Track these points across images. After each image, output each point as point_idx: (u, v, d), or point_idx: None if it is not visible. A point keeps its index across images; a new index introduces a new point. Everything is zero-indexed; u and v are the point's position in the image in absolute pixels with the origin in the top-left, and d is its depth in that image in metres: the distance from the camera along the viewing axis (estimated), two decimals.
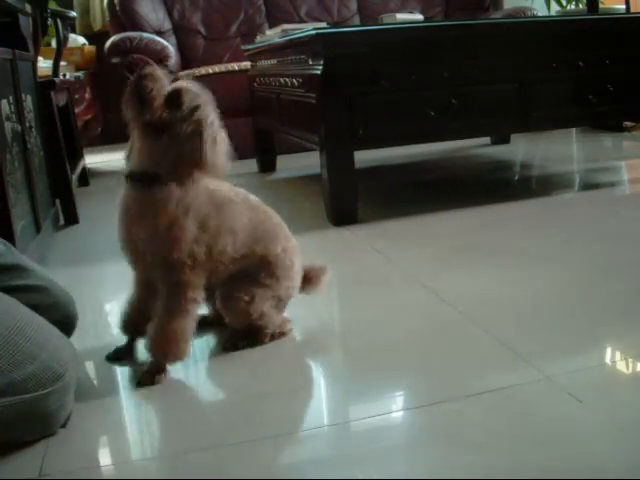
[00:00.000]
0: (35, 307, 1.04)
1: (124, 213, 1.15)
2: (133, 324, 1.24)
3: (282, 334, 1.27)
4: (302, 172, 3.08)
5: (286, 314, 1.31)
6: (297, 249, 1.29)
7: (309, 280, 1.33)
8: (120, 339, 1.29)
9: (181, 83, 1.12)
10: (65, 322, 1.18)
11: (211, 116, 1.12)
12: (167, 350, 1.14)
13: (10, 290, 1.06)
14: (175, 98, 1.09)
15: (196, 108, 1.10)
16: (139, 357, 1.24)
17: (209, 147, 1.10)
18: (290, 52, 2.33)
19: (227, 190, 1.22)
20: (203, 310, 1.33)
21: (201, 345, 1.29)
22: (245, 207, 1.23)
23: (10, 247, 1.22)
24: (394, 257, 1.71)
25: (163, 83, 1.10)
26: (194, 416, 1.03)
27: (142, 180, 1.13)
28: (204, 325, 1.32)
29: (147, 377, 1.14)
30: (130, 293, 1.25)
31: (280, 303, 1.27)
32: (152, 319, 1.16)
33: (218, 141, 1.13)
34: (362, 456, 0.89)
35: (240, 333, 1.25)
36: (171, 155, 1.10)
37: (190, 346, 1.17)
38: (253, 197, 1.27)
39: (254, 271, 1.23)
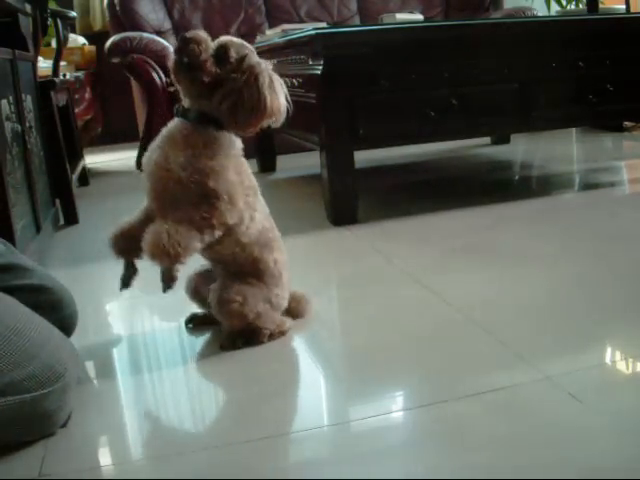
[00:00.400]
0: (35, 307, 1.04)
1: (166, 140, 1.15)
2: (129, 245, 1.20)
3: (281, 333, 1.27)
4: (302, 172, 3.08)
5: (291, 323, 1.31)
6: (287, 264, 1.30)
7: (292, 310, 1.33)
8: (119, 334, 1.29)
9: (224, 38, 1.15)
10: (65, 321, 1.18)
11: (262, 62, 1.15)
12: (163, 247, 1.10)
13: (10, 290, 1.06)
14: (223, 53, 1.12)
15: (244, 57, 1.13)
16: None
17: (267, 90, 1.13)
18: (290, 52, 2.33)
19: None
20: (199, 309, 1.34)
21: (200, 345, 1.29)
22: (263, 209, 1.27)
23: (10, 247, 1.22)
24: (394, 257, 1.71)
25: (208, 43, 1.12)
26: (194, 416, 1.03)
27: (199, 119, 1.15)
28: (202, 324, 1.32)
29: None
30: (132, 216, 1.22)
31: (273, 306, 1.26)
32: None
33: (275, 83, 1.15)
34: (362, 456, 0.89)
35: (238, 332, 1.24)
36: (232, 105, 1.12)
37: (187, 253, 1.13)
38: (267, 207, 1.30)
39: (244, 275, 1.23)
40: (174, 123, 1.17)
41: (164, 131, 1.18)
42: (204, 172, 1.12)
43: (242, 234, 1.20)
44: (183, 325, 1.35)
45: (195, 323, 1.34)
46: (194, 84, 1.13)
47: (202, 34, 1.12)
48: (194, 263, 1.26)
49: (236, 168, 1.18)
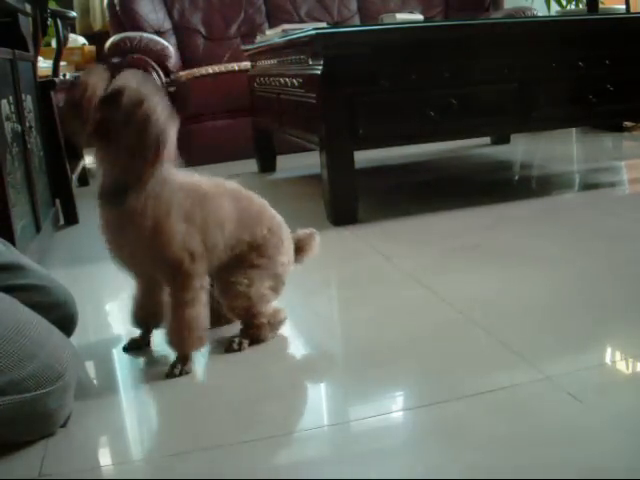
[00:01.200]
0: (35, 306, 1.04)
1: (106, 229, 1.16)
2: (142, 317, 1.27)
3: (280, 322, 1.28)
4: (302, 172, 3.08)
5: (286, 313, 1.31)
6: (283, 224, 1.30)
7: (301, 249, 1.35)
8: (119, 334, 1.29)
9: (120, 81, 1.08)
10: (66, 321, 1.18)
11: (157, 110, 1.08)
12: (186, 341, 1.17)
13: (10, 289, 1.06)
14: (111, 100, 1.06)
15: (139, 104, 1.06)
16: (156, 347, 1.27)
17: (157, 139, 1.07)
18: (290, 52, 2.33)
19: (206, 184, 1.21)
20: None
21: None
22: (227, 197, 1.22)
23: (10, 247, 1.22)
24: (394, 257, 1.71)
25: (96, 89, 1.06)
26: (194, 416, 1.03)
27: (111, 195, 1.12)
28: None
29: (175, 368, 1.16)
30: (133, 288, 1.26)
31: (278, 282, 1.27)
32: (165, 313, 1.19)
33: (165, 135, 1.09)
34: (362, 456, 0.89)
35: (243, 333, 1.25)
36: (124, 158, 1.08)
37: (206, 333, 1.19)
38: (231, 184, 1.26)
39: (245, 255, 1.24)
40: (101, 208, 1.15)
41: (99, 218, 1.16)
42: (157, 248, 1.12)
43: (225, 241, 1.20)
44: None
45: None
46: (84, 134, 1.08)
47: (93, 79, 1.07)
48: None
49: (179, 210, 1.13)
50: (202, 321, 1.17)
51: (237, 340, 1.24)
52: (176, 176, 1.16)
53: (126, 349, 1.28)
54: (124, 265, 1.20)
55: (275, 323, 1.27)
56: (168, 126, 1.10)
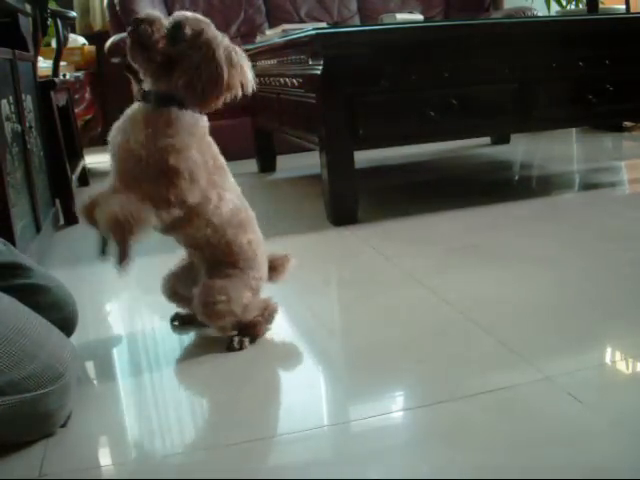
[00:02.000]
0: (36, 306, 1.04)
1: (128, 121, 1.15)
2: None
3: (274, 312, 1.28)
4: (302, 172, 3.08)
5: (286, 313, 1.31)
6: (262, 243, 1.30)
7: (274, 269, 1.34)
8: (120, 334, 1.29)
9: (178, 14, 1.13)
10: (66, 321, 1.18)
11: (219, 36, 1.14)
12: (118, 216, 1.09)
13: (11, 289, 1.06)
14: (177, 31, 1.10)
15: (200, 33, 1.11)
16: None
17: (224, 64, 1.11)
18: (290, 52, 2.33)
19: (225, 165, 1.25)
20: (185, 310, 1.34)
21: (200, 345, 1.28)
22: (234, 188, 1.25)
23: (10, 247, 1.22)
24: (394, 257, 1.71)
25: (161, 22, 1.11)
26: (193, 416, 1.03)
27: (159, 100, 1.14)
28: (187, 324, 1.33)
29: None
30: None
31: (254, 292, 1.26)
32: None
33: (234, 57, 1.14)
34: (362, 456, 0.89)
35: (237, 331, 1.25)
36: (189, 82, 1.11)
37: (141, 228, 1.12)
38: (238, 187, 1.29)
39: (218, 260, 1.23)
40: (136, 105, 1.17)
41: (126, 113, 1.17)
42: (164, 150, 1.11)
43: (212, 214, 1.19)
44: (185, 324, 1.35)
45: (180, 322, 1.35)
46: (150, 65, 1.13)
47: (155, 14, 1.11)
48: (169, 263, 1.28)
49: (200, 147, 1.16)
50: (142, 214, 1.10)
51: (237, 339, 1.23)
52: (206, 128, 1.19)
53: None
54: (116, 167, 1.16)
55: (268, 315, 1.28)
56: (235, 51, 1.14)
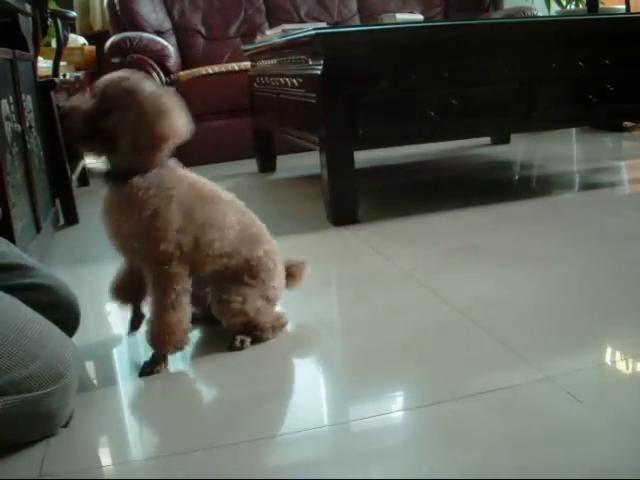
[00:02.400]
0: (39, 306, 1.04)
1: (106, 212, 1.17)
2: (123, 291, 1.27)
3: (282, 326, 1.29)
4: (302, 172, 3.08)
5: (286, 313, 1.31)
6: (278, 251, 1.30)
7: (292, 275, 1.35)
8: (120, 334, 1.29)
9: (98, 83, 1.11)
10: (69, 321, 1.18)
11: (142, 87, 1.11)
12: (165, 341, 1.16)
13: (14, 289, 1.06)
14: (103, 106, 1.09)
15: (124, 93, 1.09)
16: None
17: (155, 116, 1.09)
18: (290, 52, 2.33)
19: (215, 188, 1.23)
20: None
21: (200, 345, 1.29)
22: (233, 208, 1.24)
23: (13, 247, 1.22)
24: (394, 257, 1.71)
25: (81, 108, 1.09)
26: (194, 416, 1.03)
27: (116, 176, 1.14)
28: (194, 322, 1.32)
29: (147, 367, 1.16)
30: (119, 266, 1.28)
31: (270, 302, 1.27)
32: (150, 310, 1.19)
33: (162, 104, 1.11)
34: (362, 456, 0.89)
35: (244, 332, 1.25)
36: (130, 146, 1.10)
37: (188, 335, 1.18)
38: (239, 202, 1.28)
39: (238, 274, 1.23)
40: (106, 192, 1.17)
41: (104, 197, 1.18)
42: (150, 236, 1.12)
43: (223, 246, 1.20)
44: None
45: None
46: (97, 145, 1.13)
47: (75, 101, 1.10)
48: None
49: (181, 197, 1.14)
50: (183, 324, 1.17)
51: (239, 338, 1.24)
52: (181, 171, 1.18)
53: (131, 330, 1.32)
54: (119, 250, 1.21)
55: (278, 326, 1.28)
56: (163, 106, 1.11)
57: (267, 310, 1.26)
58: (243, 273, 1.24)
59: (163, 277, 1.15)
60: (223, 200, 1.23)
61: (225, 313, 1.23)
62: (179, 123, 1.12)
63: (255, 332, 1.25)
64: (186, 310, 1.18)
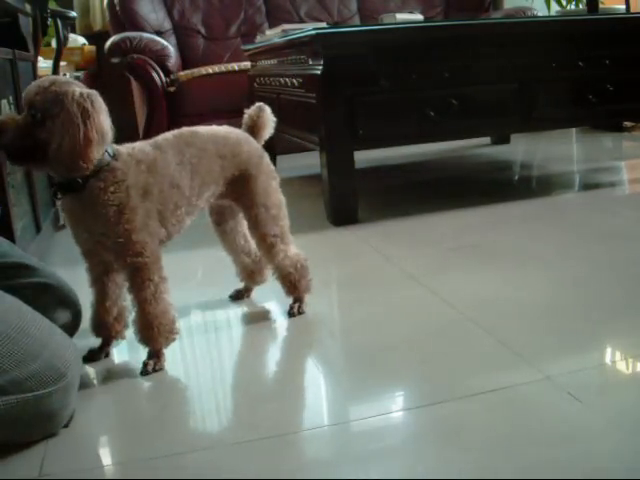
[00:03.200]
0: (41, 306, 1.05)
1: (70, 222, 1.15)
2: (101, 326, 1.24)
3: (306, 264, 1.37)
4: (302, 172, 3.08)
5: (286, 313, 1.31)
6: (263, 151, 1.36)
7: (259, 127, 1.40)
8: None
9: (26, 91, 1.07)
10: (71, 320, 1.19)
11: (69, 90, 1.07)
12: (156, 334, 1.15)
13: (16, 289, 1.06)
14: (33, 113, 1.05)
15: (53, 100, 1.05)
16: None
17: (81, 120, 1.05)
18: (290, 52, 2.33)
19: (153, 143, 1.20)
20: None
21: (200, 345, 1.29)
22: (189, 146, 1.21)
23: (15, 247, 1.22)
24: (394, 257, 1.71)
25: (8, 122, 1.05)
26: (194, 416, 1.03)
27: (69, 185, 1.10)
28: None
29: (147, 365, 1.16)
30: (93, 295, 1.24)
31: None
32: (134, 309, 1.17)
33: (87, 108, 1.06)
34: (362, 456, 0.89)
35: (293, 298, 1.37)
36: (58, 151, 1.05)
37: (176, 325, 1.17)
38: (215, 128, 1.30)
39: (247, 195, 1.29)
40: (65, 202, 1.14)
41: (65, 212, 1.16)
42: (121, 232, 1.11)
43: (186, 208, 1.21)
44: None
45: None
46: (36, 159, 1.07)
47: (3, 117, 1.06)
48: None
49: (136, 187, 1.12)
50: (169, 314, 1.16)
51: (296, 306, 1.36)
52: (122, 149, 1.14)
53: (85, 360, 1.20)
54: (90, 258, 1.19)
55: (301, 268, 1.36)
56: (85, 102, 1.07)
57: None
58: (250, 193, 1.29)
59: (141, 270, 1.13)
60: (168, 148, 1.19)
61: (274, 257, 1.32)
62: (101, 127, 1.07)
63: (295, 290, 1.36)
64: (168, 299, 1.17)
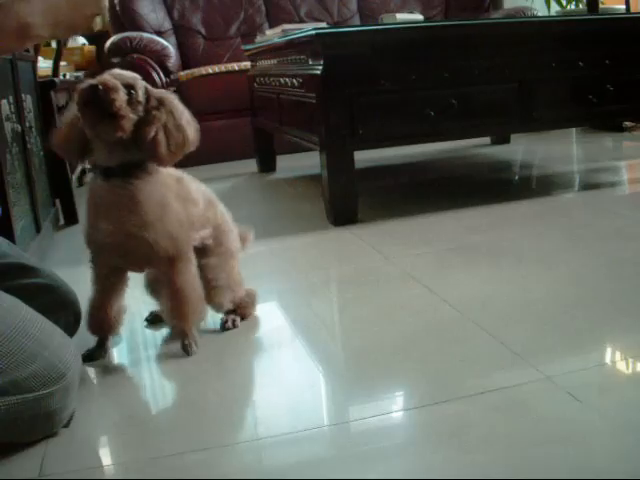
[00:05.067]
0: (41, 306, 1.04)
1: (98, 211, 1.14)
2: (100, 323, 1.24)
3: (255, 297, 1.38)
4: (302, 172, 3.08)
5: (286, 313, 1.31)
6: (226, 212, 1.36)
7: (243, 239, 1.41)
8: (123, 335, 1.30)
9: (115, 75, 1.09)
10: (71, 321, 1.19)
11: (169, 94, 1.17)
12: (190, 317, 1.22)
13: (16, 289, 1.06)
14: (132, 93, 1.09)
15: (152, 94, 1.13)
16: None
17: (185, 123, 1.15)
18: (290, 52, 2.33)
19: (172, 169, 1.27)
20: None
21: (201, 346, 1.28)
22: (192, 181, 1.27)
23: (15, 247, 1.22)
24: (394, 257, 1.71)
25: (119, 86, 1.07)
26: (194, 416, 1.03)
27: (124, 173, 1.12)
28: (159, 322, 1.37)
29: (187, 346, 1.22)
30: (91, 293, 1.24)
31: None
32: (165, 294, 1.22)
33: (187, 114, 1.17)
34: (362, 456, 0.89)
35: (231, 312, 1.34)
36: (157, 141, 1.11)
37: (204, 304, 1.27)
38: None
39: (208, 246, 1.29)
40: (98, 186, 1.14)
41: (91, 198, 1.15)
42: (171, 231, 1.16)
43: (195, 227, 1.25)
44: None
45: (154, 320, 1.40)
46: (113, 134, 1.08)
47: (113, 80, 1.07)
48: None
49: (178, 195, 1.19)
50: (201, 295, 1.24)
51: (231, 318, 1.32)
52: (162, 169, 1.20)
53: (84, 360, 1.19)
54: (101, 254, 1.19)
55: (253, 299, 1.37)
56: (189, 116, 1.18)
57: (239, 280, 1.35)
58: (213, 244, 1.30)
59: (180, 259, 1.19)
60: (185, 176, 1.26)
61: (217, 296, 1.29)
62: (194, 133, 1.18)
63: (240, 310, 1.34)
64: (199, 281, 1.25)
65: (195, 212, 1.23)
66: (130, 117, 1.08)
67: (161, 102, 1.13)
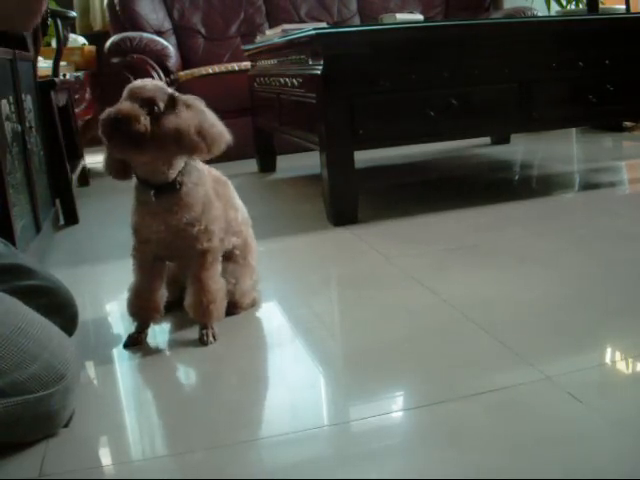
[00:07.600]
0: (38, 308, 1.04)
1: (151, 219, 1.22)
2: (143, 310, 1.29)
3: (252, 305, 1.42)
4: (302, 172, 3.08)
5: (286, 313, 1.31)
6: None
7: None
8: (119, 334, 1.29)
9: (141, 86, 1.16)
10: (68, 322, 1.18)
11: (192, 98, 1.23)
12: (212, 313, 1.26)
13: (13, 291, 1.06)
14: (152, 107, 1.14)
15: (174, 98, 1.18)
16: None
17: (216, 121, 1.27)
18: (290, 52, 2.33)
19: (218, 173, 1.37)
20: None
21: (201, 346, 1.28)
22: (230, 185, 1.38)
23: (11, 247, 1.22)
24: (394, 257, 1.71)
25: (137, 109, 1.13)
26: (194, 416, 1.03)
27: (169, 189, 1.20)
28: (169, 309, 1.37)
29: (205, 337, 1.26)
30: (135, 280, 1.29)
31: (255, 282, 1.43)
32: (191, 291, 1.26)
33: (210, 117, 1.25)
34: (362, 456, 0.89)
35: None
36: (172, 155, 1.20)
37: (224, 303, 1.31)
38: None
39: (233, 254, 1.37)
40: (146, 200, 1.22)
41: (144, 204, 1.23)
42: (208, 222, 1.24)
43: (237, 224, 1.36)
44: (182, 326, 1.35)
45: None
46: (142, 152, 1.15)
47: (131, 107, 1.11)
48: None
49: (220, 195, 1.30)
50: (225, 293, 1.30)
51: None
52: (199, 163, 1.29)
53: (126, 346, 1.28)
54: (146, 245, 1.25)
55: (248, 305, 1.42)
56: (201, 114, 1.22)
57: (250, 292, 1.40)
58: (237, 254, 1.37)
59: (211, 253, 1.25)
60: (226, 181, 1.37)
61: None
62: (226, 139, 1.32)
63: (234, 310, 1.38)
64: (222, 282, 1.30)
65: (233, 216, 1.33)
66: (151, 134, 1.13)
67: (188, 107, 1.18)
